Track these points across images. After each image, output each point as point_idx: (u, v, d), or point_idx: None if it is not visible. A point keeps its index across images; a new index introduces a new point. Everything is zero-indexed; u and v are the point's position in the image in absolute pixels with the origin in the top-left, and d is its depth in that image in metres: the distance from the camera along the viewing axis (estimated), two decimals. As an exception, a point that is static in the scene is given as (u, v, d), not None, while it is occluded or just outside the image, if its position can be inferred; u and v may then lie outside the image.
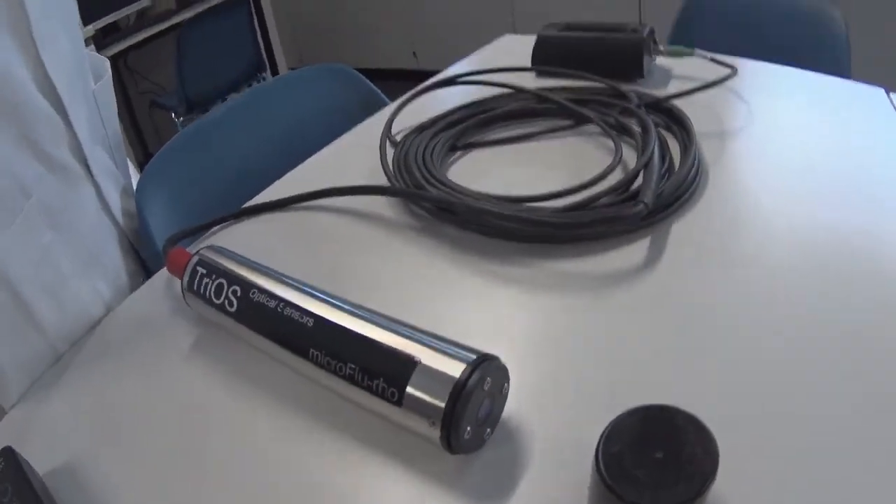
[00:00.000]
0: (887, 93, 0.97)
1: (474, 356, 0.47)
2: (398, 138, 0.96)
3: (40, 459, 0.54)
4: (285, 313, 0.55)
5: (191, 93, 3.49)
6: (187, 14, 3.76)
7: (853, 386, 0.51)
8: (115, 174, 0.85)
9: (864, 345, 0.54)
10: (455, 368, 0.46)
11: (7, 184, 0.65)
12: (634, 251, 0.68)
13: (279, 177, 0.96)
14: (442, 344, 0.49)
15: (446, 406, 0.45)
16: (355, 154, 0.98)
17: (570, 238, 0.71)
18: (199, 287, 0.63)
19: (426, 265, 0.72)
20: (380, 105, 1.20)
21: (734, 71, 0.99)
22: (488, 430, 0.49)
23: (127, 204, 0.86)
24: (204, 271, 0.63)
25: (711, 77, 0.98)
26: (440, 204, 0.77)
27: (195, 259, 0.65)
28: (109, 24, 3.59)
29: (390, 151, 0.92)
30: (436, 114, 1.00)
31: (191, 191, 1.04)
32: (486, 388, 0.46)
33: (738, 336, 0.57)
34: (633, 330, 0.59)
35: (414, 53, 4.61)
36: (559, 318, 0.62)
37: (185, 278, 0.64)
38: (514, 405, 0.51)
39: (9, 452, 0.54)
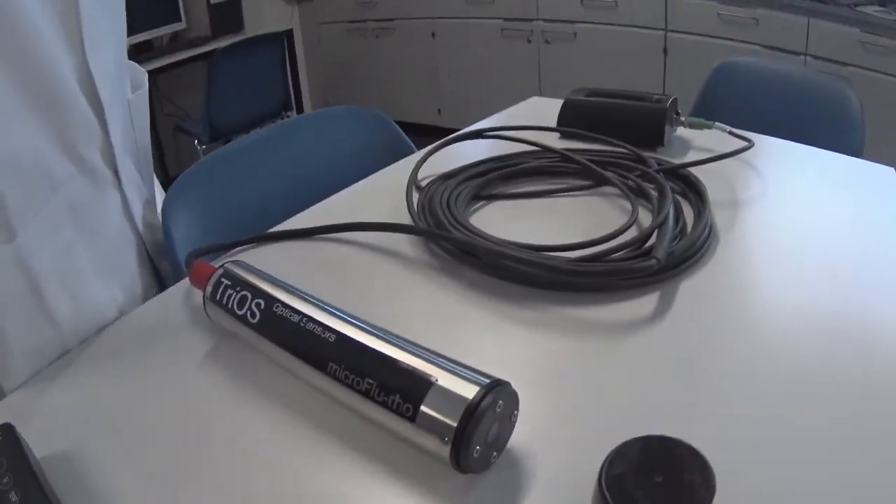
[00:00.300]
0: None
1: (488, 380, 0.49)
2: (423, 184, 0.99)
3: (37, 444, 0.56)
4: (307, 328, 0.58)
5: (216, 122, 3.58)
6: (221, 43, 3.86)
7: (840, 435, 0.53)
8: (141, 185, 0.88)
9: (853, 402, 0.57)
10: (469, 390, 0.49)
11: (36, 175, 0.69)
12: (645, 303, 0.71)
13: (302, 209, 0.99)
14: (457, 367, 0.51)
15: (458, 425, 0.47)
16: (380, 195, 1.01)
17: (584, 287, 0.74)
18: (221, 297, 0.65)
19: (443, 302, 0.75)
20: (407, 152, 1.24)
21: (751, 144, 1.02)
22: (495, 453, 0.51)
23: (149, 216, 0.89)
24: (228, 283, 0.65)
25: (729, 149, 1.01)
26: (463, 246, 0.80)
27: (220, 271, 0.67)
28: (143, 41, 3.68)
29: (415, 196, 0.96)
30: (461, 164, 1.03)
31: (216, 211, 1.08)
32: (497, 410, 0.49)
33: (736, 385, 0.59)
34: (638, 373, 0.62)
35: (439, 110, 4.70)
36: (569, 358, 0.65)
37: (209, 288, 0.67)
38: (521, 433, 0.53)
39: (8, 428, 0.55)
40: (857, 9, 3.20)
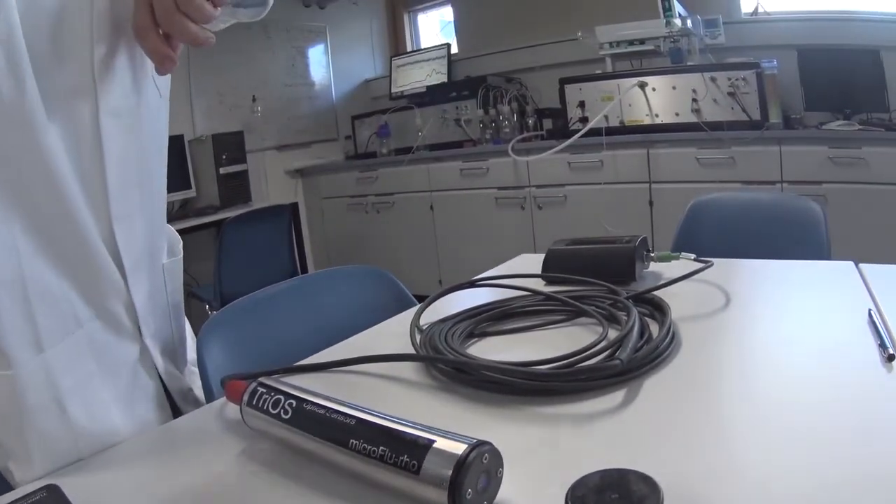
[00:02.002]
0: (856, 265, 1.19)
1: (475, 440, 0.63)
2: (424, 327, 1.12)
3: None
4: (332, 416, 0.72)
5: (226, 288, 3.72)
6: (229, 213, 4.05)
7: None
8: (168, 340, 1.00)
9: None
10: (459, 448, 0.62)
11: (64, 308, 0.83)
12: (613, 398, 0.83)
13: (318, 351, 1.12)
14: (451, 434, 0.65)
15: (452, 473, 0.60)
16: (386, 338, 1.15)
17: (558, 390, 0.85)
18: (258, 402, 0.79)
19: (441, 411, 0.87)
20: (410, 304, 1.40)
21: (710, 264, 1.19)
22: (485, 502, 0.63)
23: (171, 367, 1.00)
24: (263, 390, 0.80)
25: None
26: (456, 366, 0.93)
27: (255, 383, 0.82)
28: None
29: (417, 337, 1.09)
30: (457, 311, 1.17)
31: (242, 349, 1.23)
32: (483, 462, 0.62)
33: (692, 460, 0.69)
34: (604, 447, 0.73)
35: (439, 281, 4.86)
36: (545, 441, 0.76)
37: (245, 397, 0.81)
38: (509, 492, 0.65)
39: (54, 488, 0.64)
40: (823, 127, 3.45)
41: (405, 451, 0.64)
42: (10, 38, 0.73)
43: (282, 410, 0.76)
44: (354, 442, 0.68)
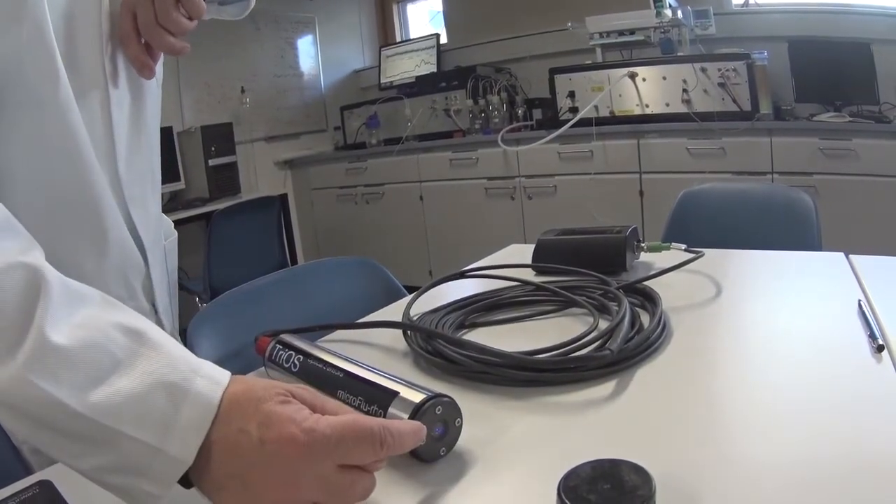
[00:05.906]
0: (846, 255, 1.20)
1: (433, 393, 0.71)
2: (415, 318, 1.11)
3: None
4: (326, 370, 0.83)
5: (215, 282, 3.71)
6: (219, 205, 4.03)
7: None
8: (171, 315, 1.06)
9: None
10: (418, 398, 0.70)
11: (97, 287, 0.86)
12: (604, 388, 0.83)
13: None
14: (415, 387, 0.73)
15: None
16: (377, 329, 1.14)
17: (550, 381, 0.85)
18: (275, 357, 0.92)
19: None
20: (401, 295, 1.40)
21: (700, 254, 1.19)
22: (444, 448, 0.71)
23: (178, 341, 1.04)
24: (280, 347, 0.92)
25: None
26: (446, 356, 0.92)
27: (274, 342, 0.95)
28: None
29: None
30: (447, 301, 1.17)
31: (230, 342, 1.24)
32: (437, 412, 0.70)
33: (682, 446, 0.70)
34: (596, 440, 0.73)
35: (430, 272, 4.84)
36: (539, 431, 0.76)
37: (267, 352, 0.94)
38: (502, 485, 0.65)
39: (47, 485, 0.63)
40: (814, 118, 3.46)
41: (375, 400, 0.74)
42: (42, 36, 0.77)
43: (291, 364, 0.89)
44: (341, 392, 0.78)
